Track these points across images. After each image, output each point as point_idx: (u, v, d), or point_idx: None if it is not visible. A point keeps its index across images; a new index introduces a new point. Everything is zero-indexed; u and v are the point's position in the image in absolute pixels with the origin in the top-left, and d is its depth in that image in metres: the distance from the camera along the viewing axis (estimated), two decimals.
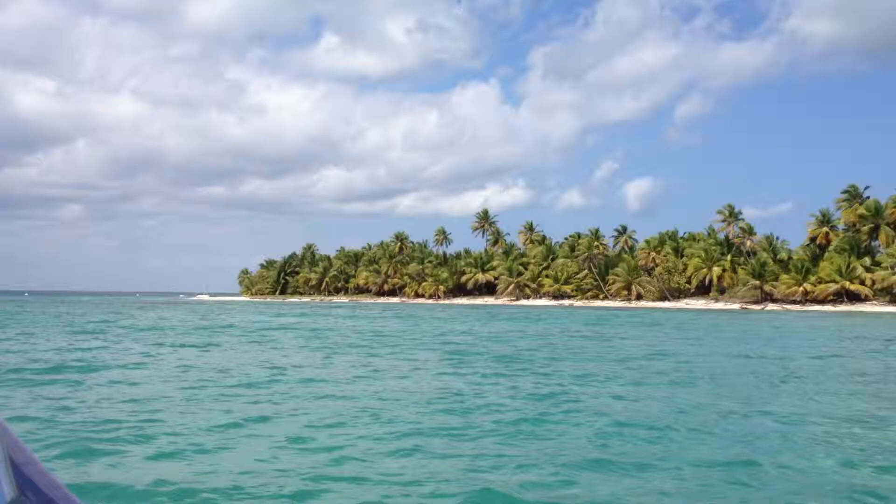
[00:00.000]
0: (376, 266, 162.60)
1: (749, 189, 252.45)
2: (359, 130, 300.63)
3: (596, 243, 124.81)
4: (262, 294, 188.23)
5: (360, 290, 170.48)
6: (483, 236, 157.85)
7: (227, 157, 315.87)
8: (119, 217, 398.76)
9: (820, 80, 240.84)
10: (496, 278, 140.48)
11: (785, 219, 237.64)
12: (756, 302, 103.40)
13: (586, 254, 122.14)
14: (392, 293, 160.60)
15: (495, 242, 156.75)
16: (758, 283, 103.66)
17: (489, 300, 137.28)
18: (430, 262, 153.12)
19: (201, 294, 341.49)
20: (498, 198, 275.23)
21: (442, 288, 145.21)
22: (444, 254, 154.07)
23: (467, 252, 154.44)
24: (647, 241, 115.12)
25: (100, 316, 57.36)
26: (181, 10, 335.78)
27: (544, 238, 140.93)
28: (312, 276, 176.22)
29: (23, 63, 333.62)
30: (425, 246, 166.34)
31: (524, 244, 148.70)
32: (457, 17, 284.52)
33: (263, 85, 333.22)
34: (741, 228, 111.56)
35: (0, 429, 0.62)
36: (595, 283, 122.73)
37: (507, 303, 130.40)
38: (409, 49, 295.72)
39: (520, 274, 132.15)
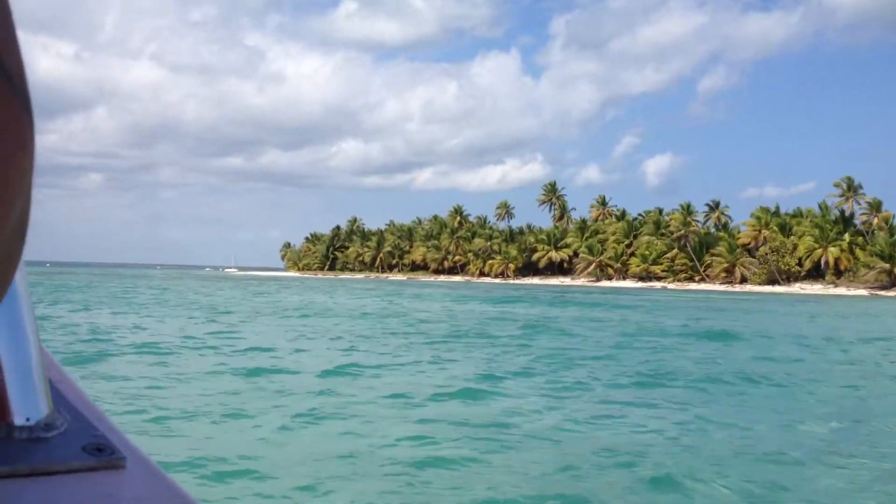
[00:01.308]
0: (436, 242, 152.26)
1: (773, 165, 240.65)
2: (377, 101, 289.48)
3: (688, 219, 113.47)
4: (309, 269, 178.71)
5: (416, 267, 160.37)
6: (550, 211, 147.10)
7: (246, 127, 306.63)
8: (139, 187, 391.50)
9: (847, 51, 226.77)
10: (571, 257, 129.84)
11: (809, 196, 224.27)
12: (884, 287, 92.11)
13: (681, 231, 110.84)
14: (452, 271, 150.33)
15: (561, 217, 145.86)
16: (887, 265, 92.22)
17: (565, 280, 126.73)
18: (495, 238, 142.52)
19: (229, 268, 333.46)
20: (516, 173, 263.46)
21: (512, 266, 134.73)
22: (510, 229, 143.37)
23: (532, 228, 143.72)
24: (758, 217, 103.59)
25: (177, 293, 47.86)
26: None
27: (624, 213, 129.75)
28: (365, 251, 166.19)
29: (42, 25, 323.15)
30: (485, 221, 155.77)
31: (595, 220, 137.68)
32: None
33: (282, 52, 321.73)
34: (868, 203, 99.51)
35: (39, 347, 0.62)
36: (690, 264, 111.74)
37: (587, 284, 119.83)
38: (428, 15, 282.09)
39: (601, 253, 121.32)
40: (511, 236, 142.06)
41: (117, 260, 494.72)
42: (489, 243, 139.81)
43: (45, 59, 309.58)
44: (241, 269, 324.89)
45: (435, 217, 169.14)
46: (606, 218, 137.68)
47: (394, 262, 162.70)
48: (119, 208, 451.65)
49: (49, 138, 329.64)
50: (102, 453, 0.60)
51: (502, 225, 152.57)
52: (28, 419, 0.60)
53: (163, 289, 59.99)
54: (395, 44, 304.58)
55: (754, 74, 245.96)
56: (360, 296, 57.17)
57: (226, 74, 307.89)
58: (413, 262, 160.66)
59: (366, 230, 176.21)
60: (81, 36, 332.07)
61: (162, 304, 38.15)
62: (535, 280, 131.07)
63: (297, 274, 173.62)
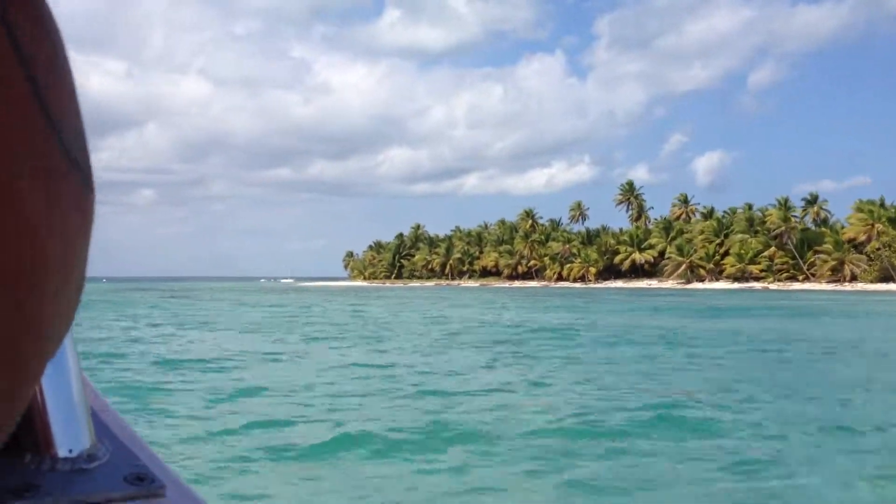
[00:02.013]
0: (508, 246, 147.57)
1: (826, 160, 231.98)
2: (422, 107, 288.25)
3: (787, 215, 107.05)
4: (375, 278, 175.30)
5: (487, 273, 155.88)
6: (627, 211, 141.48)
7: (293, 138, 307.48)
8: (190, 202, 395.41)
9: None
10: (657, 258, 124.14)
11: (865, 191, 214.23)
12: None
13: (781, 227, 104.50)
14: (527, 276, 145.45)
15: (638, 217, 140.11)
16: None
17: (651, 283, 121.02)
18: (573, 241, 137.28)
19: (285, 278, 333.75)
20: (564, 175, 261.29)
21: (593, 270, 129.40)
22: (587, 231, 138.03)
23: (606, 229, 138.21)
24: (870, 211, 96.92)
25: (273, 310, 43.28)
26: None
27: (712, 211, 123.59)
28: (434, 258, 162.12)
29: (93, 44, 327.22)
30: (558, 223, 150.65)
31: (677, 218, 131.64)
32: None
33: (327, 63, 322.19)
34: None
35: (81, 379, 0.62)
36: (792, 262, 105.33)
37: (676, 286, 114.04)
38: (470, 19, 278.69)
39: (691, 253, 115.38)
40: (588, 238, 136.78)
41: (169, 274, 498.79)
42: (567, 246, 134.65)
43: (96, 78, 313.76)
44: (297, 279, 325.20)
45: (502, 221, 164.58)
46: (689, 216, 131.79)
47: (464, 268, 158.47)
48: (171, 222, 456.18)
49: (102, 156, 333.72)
50: (143, 482, 0.61)
51: (576, 227, 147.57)
52: (71, 451, 0.61)
53: (269, 306, 56.33)
54: (439, 50, 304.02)
55: (805, 67, 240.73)
56: (475, 306, 52.80)
57: (272, 86, 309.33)
58: (483, 268, 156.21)
59: (432, 237, 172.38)
60: (130, 53, 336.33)
61: (310, 325, 34.21)
62: (619, 283, 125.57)
63: (365, 283, 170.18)
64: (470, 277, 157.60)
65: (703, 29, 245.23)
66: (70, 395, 0.61)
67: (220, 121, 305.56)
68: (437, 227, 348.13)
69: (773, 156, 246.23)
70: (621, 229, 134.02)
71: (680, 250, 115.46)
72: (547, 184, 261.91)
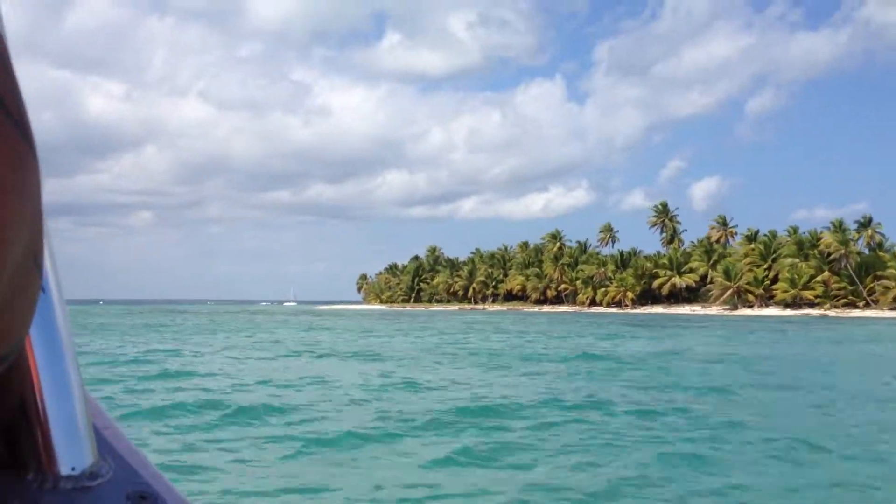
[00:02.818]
0: (536, 269, 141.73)
1: (823, 187, 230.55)
2: (421, 131, 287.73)
3: (845, 238, 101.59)
4: (392, 302, 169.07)
5: (513, 297, 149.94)
6: (661, 233, 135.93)
7: (292, 161, 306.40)
8: (187, 224, 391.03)
9: None
10: (698, 282, 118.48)
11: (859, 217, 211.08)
12: None
13: (840, 251, 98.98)
14: (556, 300, 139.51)
15: (671, 241, 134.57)
16: None
17: (695, 309, 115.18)
18: (607, 264, 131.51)
19: (288, 301, 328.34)
20: (561, 200, 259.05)
21: (630, 295, 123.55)
22: (622, 254, 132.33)
23: (636, 252, 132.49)
24: None
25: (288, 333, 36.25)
26: (245, 8, 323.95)
27: (756, 233, 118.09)
28: (456, 281, 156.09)
29: (93, 65, 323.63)
30: (585, 246, 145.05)
31: (716, 241, 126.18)
32: (520, 11, 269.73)
33: (328, 85, 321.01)
34: None
35: (84, 395, 0.61)
36: (851, 289, 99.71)
37: (723, 312, 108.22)
38: (471, 45, 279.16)
39: (738, 277, 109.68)
40: (622, 261, 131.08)
41: (165, 296, 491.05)
42: (602, 270, 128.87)
43: (95, 99, 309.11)
44: (300, 302, 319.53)
45: (525, 244, 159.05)
46: (728, 239, 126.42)
47: (488, 292, 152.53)
48: (168, 245, 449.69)
49: (100, 178, 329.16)
50: (146, 501, 0.60)
51: (605, 250, 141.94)
52: (73, 468, 0.59)
53: (304, 329, 50.24)
54: (439, 74, 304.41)
55: (803, 95, 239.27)
56: (562, 334, 46.80)
57: (272, 109, 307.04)
58: (508, 292, 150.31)
59: (453, 260, 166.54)
60: (131, 75, 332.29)
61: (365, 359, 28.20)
62: (659, 309, 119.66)
63: (383, 306, 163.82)
64: (494, 301, 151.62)
65: (702, 55, 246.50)
66: (73, 412, 0.60)
67: (220, 142, 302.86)
68: (431, 251, 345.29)
69: (770, 182, 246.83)
70: (658, 252, 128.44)
71: (727, 274, 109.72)
72: (544, 209, 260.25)
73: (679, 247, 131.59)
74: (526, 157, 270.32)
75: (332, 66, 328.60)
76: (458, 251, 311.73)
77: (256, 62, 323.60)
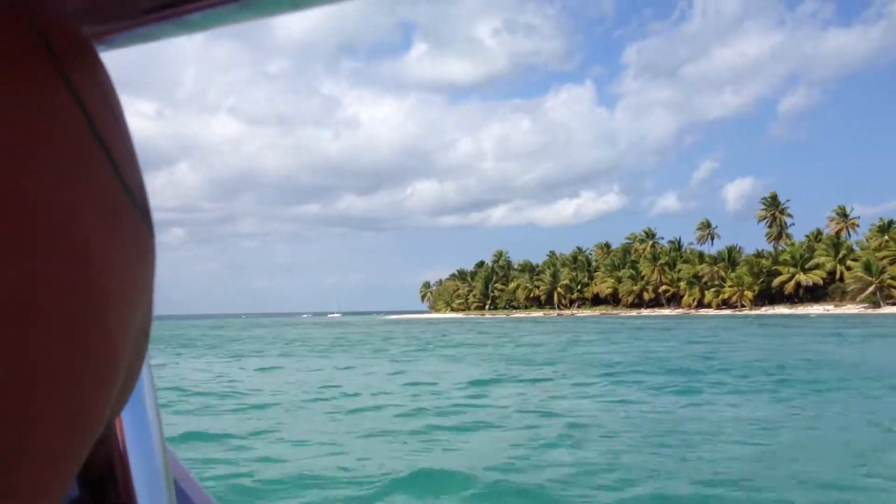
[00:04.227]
0: (630, 271, 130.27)
1: (861, 186, 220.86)
2: (451, 140, 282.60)
3: None
4: (466, 309, 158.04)
5: (599, 301, 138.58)
6: (770, 227, 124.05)
7: (322, 174, 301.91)
8: (220, 239, 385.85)
9: None
10: (826, 279, 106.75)
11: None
12: None
13: None
14: (655, 303, 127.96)
15: (779, 236, 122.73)
16: None
17: (829, 308, 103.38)
18: (713, 262, 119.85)
19: (332, 313, 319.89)
20: (592, 205, 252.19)
21: (749, 294, 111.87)
22: (729, 251, 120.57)
23: (736, 249, 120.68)
24: None
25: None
26: (273, 23, 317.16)
27: (890, 223, 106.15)
28: (537, 286, 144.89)
29: (125, 86, 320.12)
30: (679, 245, 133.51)
31: (835, 235, 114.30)
32: (547, 16, 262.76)
33: (356, 97, 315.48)
34: None
35: (165, 451, 0.61)
36: None
37: (864, 311, 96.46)
38: (498, 52, 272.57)
39: (881, 272, 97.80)
40: (731, 259, 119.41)
41: (204, 311, 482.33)
42: (716, 268, 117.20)
43: (128, 119, 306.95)
44: (344, 313, 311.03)
45: (605, 245, 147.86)
46: (849, 231, 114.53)
47: (573, 296, 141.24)
48: (203, 260, 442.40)
49: None
50: None
51: (707, 248, 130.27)
52: None
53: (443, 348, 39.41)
54: (467, 83, 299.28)
55: (837, 92, 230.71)
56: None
57: (302, 123, 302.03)
58: (596, 296, 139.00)
59: (529, 263, 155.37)
60: (162, 93, 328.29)
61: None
62: (783, 309, 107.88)
63: (456, 314, 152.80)
64: (580, 306, 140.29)
65: (732, 55, 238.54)
66: (154, 465, 0.60)
67: (251, 158, 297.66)
68: (469, 259, 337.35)
69: (804, 181, 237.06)
70: (775, 248, 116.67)
71: (867, 269, 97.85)
72: (575, 214, 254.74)
73: (784, 243, 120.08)
74: (556, 163, 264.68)
75: (360, 77, 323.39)
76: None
77: (285, 77, 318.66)
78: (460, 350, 34.13)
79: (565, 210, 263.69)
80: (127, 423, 0.58)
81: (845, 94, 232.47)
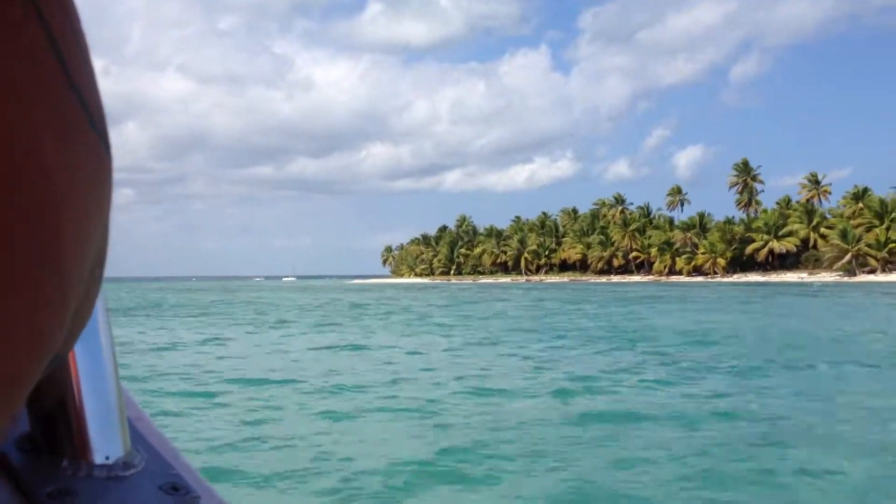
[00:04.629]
0: (601, 237, 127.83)
1: (807, 153, 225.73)
2: (405, 103, 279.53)
3: None
4: (430, 275, 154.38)
5: (567, 267, 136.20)
6: (743, 193, 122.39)
7: (275, 135, 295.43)
8: (170, 200, 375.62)
9: (885, 35, 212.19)
10: (799, 246, 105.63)
11: (846, 183, 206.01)
12: None
13: None
14: (624, 270, 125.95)
15: (748, 203, 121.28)
16: None
17: (803, 276, 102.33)
18: (686, 228, 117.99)
19: (287, 277, 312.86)
20: (546, 171, 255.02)
21: (721, 262, 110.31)
22: (701, 217, 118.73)
23: (705, 216, 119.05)
24: None
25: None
26: None
27: (864, 191, 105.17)
28: (504, 251, 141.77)
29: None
30: (649, 211, 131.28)
31: (807, 202, 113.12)
32: None
33: (310, 58, 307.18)
34: None
35: (118, 385, 0.60)
36: None
37: (840, 279, 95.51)
38: (454, 14, 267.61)
39: (856, 240, 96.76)
40: (702, 226, 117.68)
41: (153, 273, 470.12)
42: (689, 234, 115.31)
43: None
44: (299, 277, 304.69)
45: (571, 210, 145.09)
46: (821, 199, 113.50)
47: (541, 262, 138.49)
48: (152, 221, 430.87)
49: None
50: (178, 492, 0.59)
51: (677, 215, 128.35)
52: (107, 458, 0.59)
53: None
54: (423, 45, 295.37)
55: (788, 61, 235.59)
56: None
57: (254, 83, 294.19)
58: (563, 262, 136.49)
59: (500, 229, 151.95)
60: (109, 49, 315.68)
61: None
62: (756, 276, 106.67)
63: (422, 280, 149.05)
64: (548, 272, 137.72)
65: (687, 22, 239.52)
66: (108, 402, 0.59)
67: (201, 117, 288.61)
68: (425, 223, 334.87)
69: (754, 149, 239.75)
70: (748, 214, 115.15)
71: (844, 236, 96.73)
72: (528, 180, 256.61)
73: (755, 210, 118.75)
74: (511, 128, 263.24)
75: (314, 38, 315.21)
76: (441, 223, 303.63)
77: (237, 35, 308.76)
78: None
79: (519, 176, 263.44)
80: (80, 361, 0.57)
81: (796, 61, 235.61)
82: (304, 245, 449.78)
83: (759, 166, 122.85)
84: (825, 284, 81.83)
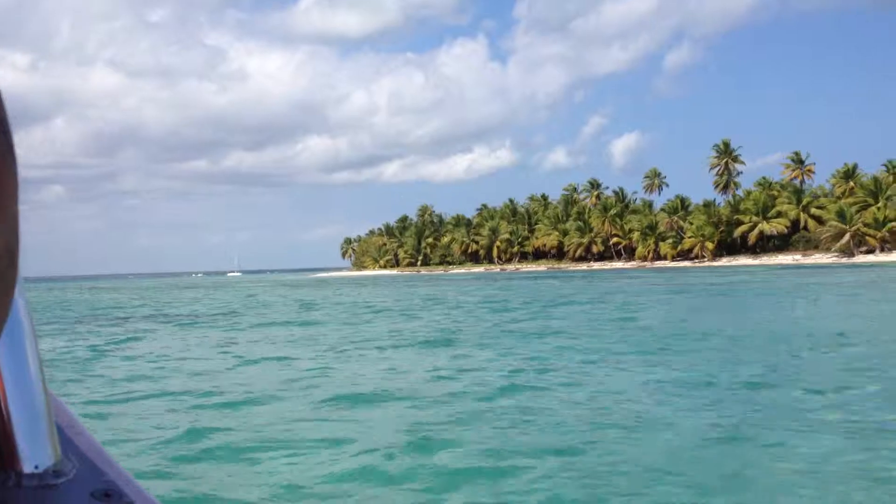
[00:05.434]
0: (578, 223, 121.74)
1: (740, 139, 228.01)
2: (342, 95, 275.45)
3: None
4: (395, 266, 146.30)
5: (541, 255, 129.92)
6: (721, 175, 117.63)
7: (208, 129, 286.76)
8: (102, 197, 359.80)
9: (813, 19, 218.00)
10: (789, 227, 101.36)
11: (774, 168, 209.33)
12: None
13: None
14: (604, 256, 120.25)
15: (725, 186, 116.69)
16: None
17: (797, 258, 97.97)
18: (672, 210, 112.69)
19: (232, 271, 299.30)
20: (485, 161, 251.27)
21: (710, 245, 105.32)
22: (682, 200, 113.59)
23: (681, 198, 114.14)
24: None
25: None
26: None
27: (854, 169, 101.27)
28: (478, 240, 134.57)
29: None
30: (623, 195, 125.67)
31: (789, 181, 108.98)
32: None
33: (243, 49, 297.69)
34: None
35: (46, 392, 0.57)
36: None
37: (839, 260, 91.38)
38: (390, 4, 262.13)
39: (853, 220, 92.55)
40: (684, 208, 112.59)
41: (87, 272, 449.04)
42: (674, 218, 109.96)
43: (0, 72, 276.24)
44: (244, 272, 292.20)
45: (541, 197, 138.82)
46: (804, 178, 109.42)
47: (514, 250, 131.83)
48: (83, 219, 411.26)
49: None
50: (110, 499, 0.57)
51: (657, 199, 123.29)
52: (37, 467, 0.56)
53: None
54: (358, 35, 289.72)
55: (720, 48, 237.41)
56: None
57: (185, 76, 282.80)
58: (537, 250, 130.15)
59: (462, 217, 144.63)
60: (36, 45, 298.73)
61: None
62: (746, 260, 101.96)
63: (388, 271, 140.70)
64: (521, 260, 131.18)
65: (621, 10, 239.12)
66: (35, 410, 0.56)
67: (132, 112, 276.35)
68: (369, 214, 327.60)
69: (688, 136, 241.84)
70: (734, 195, 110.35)
71: (842, 216, 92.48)
72: (468, 170, 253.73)
73: (734, 193, 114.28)
74: (449, 119, 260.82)
75: (246, 29, 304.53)
76: (389, 215, 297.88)
77: (167, 27, 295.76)
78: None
79: (458, 165, 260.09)
80: (5, 368, 0.55)
81: (727, 49, 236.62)
82: (244, 240, 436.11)
83: (741, 146, 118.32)
84: (819, 267, 77.21)
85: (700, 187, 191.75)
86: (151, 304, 42.39)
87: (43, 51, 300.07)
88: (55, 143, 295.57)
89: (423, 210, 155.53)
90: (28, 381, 0.56)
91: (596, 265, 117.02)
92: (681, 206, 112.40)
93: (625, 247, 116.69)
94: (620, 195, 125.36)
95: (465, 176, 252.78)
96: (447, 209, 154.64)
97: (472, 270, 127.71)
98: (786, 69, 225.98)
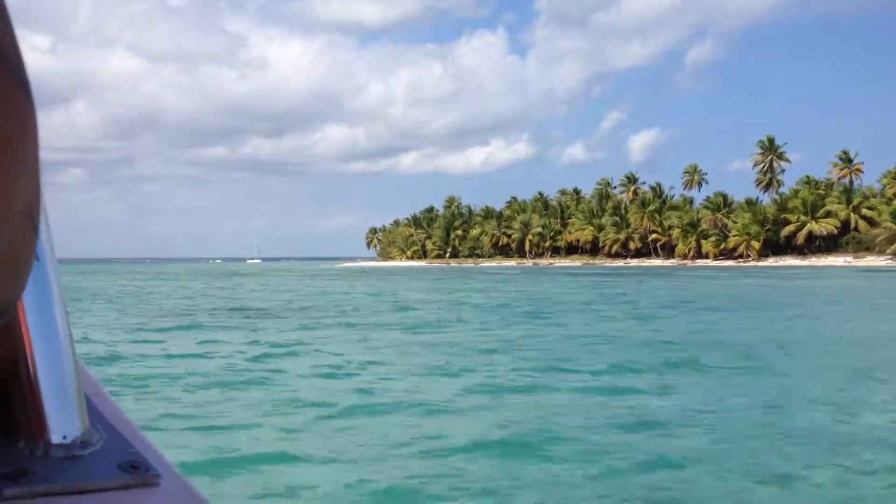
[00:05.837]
0: (615, 218, 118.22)
1: (759, 137, 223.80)
2: (360, 84, 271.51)
3: None
4: (423, 257, 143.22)
5: (574, 250, 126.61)
6: (766, 174, 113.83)
7: (227, 116, 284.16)
8: (120, 181, 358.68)
9: (832, 20, 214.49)
10: (839, 228, 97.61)
11: (799, 167, 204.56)
12: None
13: None
14: (640, 253, 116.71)
15: (768, 185, 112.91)
16: None
17: (849, 260, 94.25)
18: (716, 208, 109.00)
19: (252, 258, 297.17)
20: (502, 153, 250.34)
21: (756, 244, 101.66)
22: (725, 198, 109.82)
23: (717, 195, 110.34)
24: None
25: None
26: None
27: None
28: (510, 233, 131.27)
29: (16, 18, 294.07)
30: (660, 191, 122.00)
31: (837, 180, 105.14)
32: None
33: (263, 36, 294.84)
34: None
35: (76, 363, 0.58)
36: None
37: (891, 264, 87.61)
38: None
39: None
40: (727, 206, 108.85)
41: (104, 255, 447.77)
42: (718, 215, 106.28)
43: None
44: (264, 259, 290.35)
45: (574, 190, 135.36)
46: (853, 177, 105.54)
47: (546, 245, 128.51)
48: (103, 202, 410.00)
49: None
50: (137, 471, 0.57)
51: (696, 195, 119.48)
52: (65, 437, 0.57)
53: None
54: (378, 25, 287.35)
55: (741, 45, 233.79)
56: None
57: (206, 62, 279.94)
58: (570, 244, 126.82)
59: (491, 209, 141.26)
60: (56, 27, 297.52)
61: None
62: (793, 261, 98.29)
63: (415, 263, 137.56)
64: (554, 255, 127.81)
65: (641, 5, 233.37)
66: (65, 380, 0.57)
67: (151, 97, 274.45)
68: (386, 206, 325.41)
69: (707, 132, 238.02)
70: (781, 195, 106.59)
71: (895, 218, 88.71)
72: (484, 162, 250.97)
73: (777, 191, 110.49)
74: (467, 111, 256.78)
75: (267, 16, 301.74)
76: (406, 206, 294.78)
77: (188, 12, 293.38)
78: None
79: (475, 158, 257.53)
80: (35, 339, 0.55)
81: (748, 46, 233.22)
82: (261, 227, 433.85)
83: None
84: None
85: (723, 183, 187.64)
86: (231, 298, 38.12)
87: (63, 33, 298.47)
88: (75, 127, 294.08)
89: (451, 201, 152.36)
90: (57, 350, 0.56)
91: (633, 262, 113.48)
92: (723, 204, 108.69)
93: (663, 244, 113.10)
94: (658, 190, 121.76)
95: (483, 168, 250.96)
96: (466, 201, 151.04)
97: (504, 264, 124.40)
98: (809, 67, 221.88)
